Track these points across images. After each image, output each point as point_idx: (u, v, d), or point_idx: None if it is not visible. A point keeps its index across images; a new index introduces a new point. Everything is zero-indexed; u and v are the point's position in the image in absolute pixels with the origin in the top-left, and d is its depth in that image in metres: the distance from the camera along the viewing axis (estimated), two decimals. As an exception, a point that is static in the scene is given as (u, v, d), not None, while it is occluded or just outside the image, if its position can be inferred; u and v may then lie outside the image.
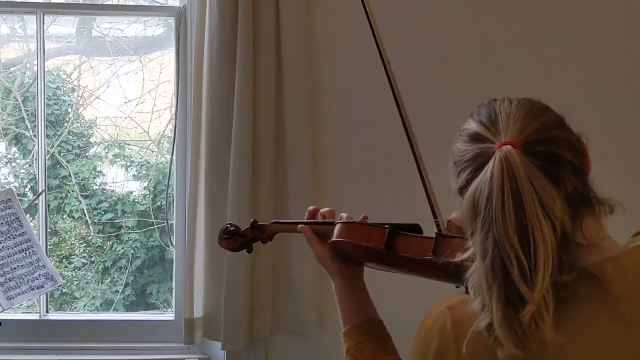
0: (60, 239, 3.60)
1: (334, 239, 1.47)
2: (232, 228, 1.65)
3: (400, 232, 1.39)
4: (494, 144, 1.06)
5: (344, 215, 1.52)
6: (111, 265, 3.55)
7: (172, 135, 2.64)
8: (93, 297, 3.54)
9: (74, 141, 3.50)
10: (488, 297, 1.02)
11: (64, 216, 3.53)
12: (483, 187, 1.02)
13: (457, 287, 1.33)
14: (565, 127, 1.11)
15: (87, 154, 3.56)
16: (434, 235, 1.33)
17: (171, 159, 2.66)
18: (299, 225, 1.57)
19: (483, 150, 1.07)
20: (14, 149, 3.50)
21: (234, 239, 1.65)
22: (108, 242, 3.61)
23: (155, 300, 3.49)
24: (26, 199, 3.24)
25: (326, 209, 1.57)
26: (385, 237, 1.38)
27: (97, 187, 3.57)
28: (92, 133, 3.58)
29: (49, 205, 3.15)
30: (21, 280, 2.29)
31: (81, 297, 3.55)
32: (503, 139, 1.05)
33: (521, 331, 1.00)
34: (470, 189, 1.05)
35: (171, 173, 2.67)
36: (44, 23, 2.64)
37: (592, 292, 1.05)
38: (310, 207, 1.60)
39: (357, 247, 1.43)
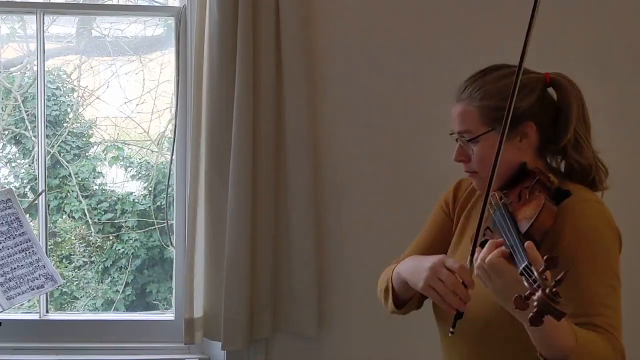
0: (61, 239, 3.61)
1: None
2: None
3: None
4: (540, 74, 1.59)
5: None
6: (111, 265, 3.55)
7: (172, 136, 2.64)
8: (93, 297, 3.54)
9: (74, 141, 3.50)
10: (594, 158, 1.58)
11: (64, 216, 3.53)
12: (577, 96, 1.57)
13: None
14: None
15: (87, 154, 3.56)
16: (535, 179, 1.48)
17: (171, 159, 2.67)
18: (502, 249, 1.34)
19: (536, 77, 1.58)
20: (14, 149, 3.50)
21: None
22: (108, 242, 3.61)
23: (155, 300, 3.48)
24: (26, 199, 3.24)
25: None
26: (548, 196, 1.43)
27: (97, 187, 3.56)
28: (92, 133, 3.58)
29: (49, 205, 3.14)
30: (21, 280, 2.29)
31: (81, 297, 3.55)
32: (544, 73, 1.61)
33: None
34: (567, 102, 1.56)
35: (171, 173, 2.67)
36: (44, 23, 2.64)
37: None
38: None
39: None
